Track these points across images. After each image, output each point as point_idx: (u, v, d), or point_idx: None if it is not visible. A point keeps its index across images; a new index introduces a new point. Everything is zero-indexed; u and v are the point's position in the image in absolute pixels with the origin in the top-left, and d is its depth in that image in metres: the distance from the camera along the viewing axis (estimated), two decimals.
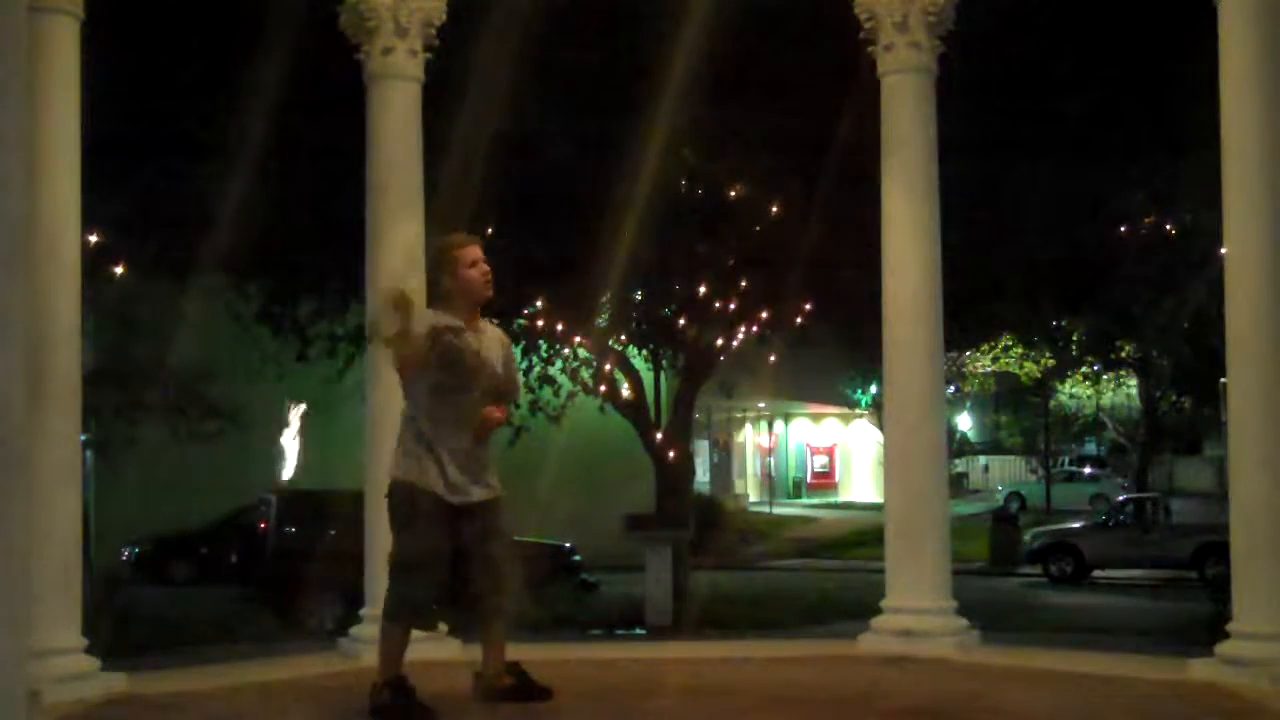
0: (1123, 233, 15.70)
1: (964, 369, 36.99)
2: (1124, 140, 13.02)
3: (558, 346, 16.35)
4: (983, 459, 47.11)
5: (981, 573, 24.16)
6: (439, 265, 5.66)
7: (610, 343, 16.02)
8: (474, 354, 5.55)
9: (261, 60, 9.38)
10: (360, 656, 6.87)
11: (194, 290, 16.02)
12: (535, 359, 16.33)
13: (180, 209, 12.75)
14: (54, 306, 6.21)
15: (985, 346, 31.51)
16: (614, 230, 11.65)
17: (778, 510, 38.94)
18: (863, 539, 28.17)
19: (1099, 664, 7.34)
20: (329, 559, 12.49)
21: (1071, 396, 40.85)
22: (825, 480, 45.43)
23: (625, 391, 16.47)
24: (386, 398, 6.59)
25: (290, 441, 23.73)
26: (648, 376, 17.41)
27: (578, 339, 15.75)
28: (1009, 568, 25.37)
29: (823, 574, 23.92)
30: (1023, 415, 42.77)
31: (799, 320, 15.79)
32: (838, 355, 25.76)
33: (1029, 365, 35.64)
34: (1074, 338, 27.73)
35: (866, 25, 7.52)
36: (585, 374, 16.54)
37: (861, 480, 44.43)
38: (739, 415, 40.26)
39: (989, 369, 37.27)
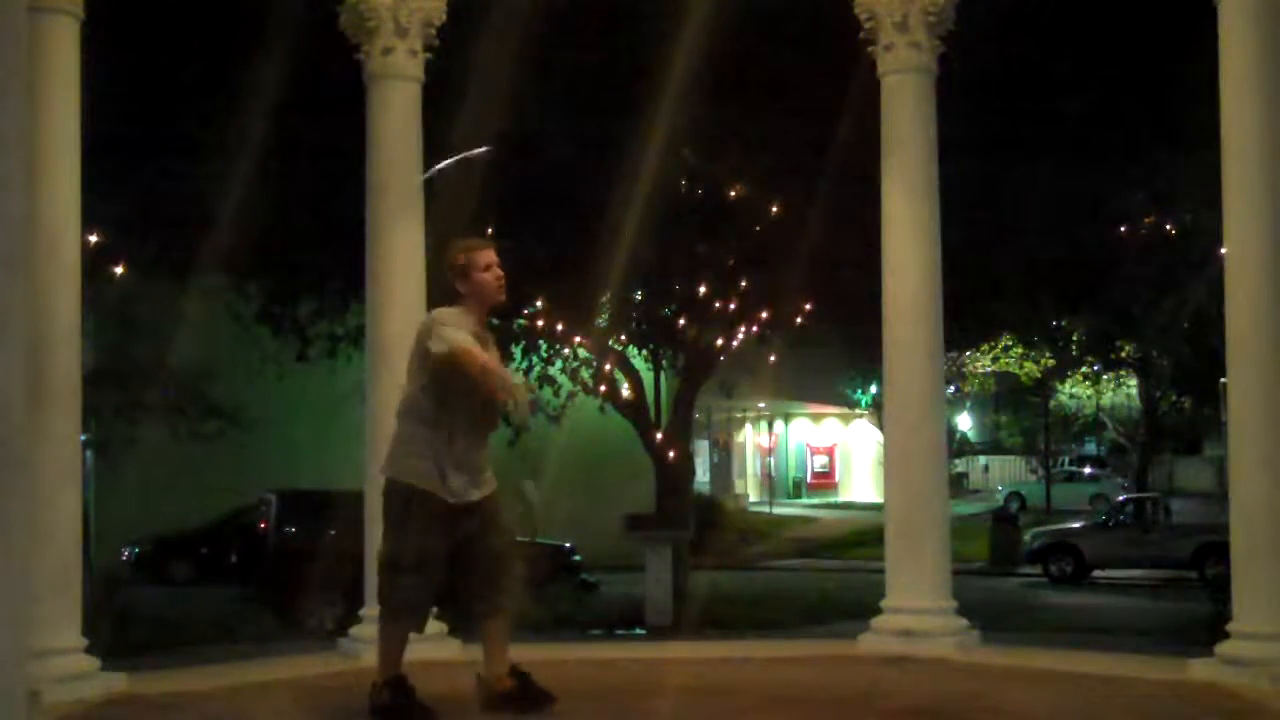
0: (1123, 233, 15.69)
1: (964, 369, 36.96)
2: (1124, 140, 13.02)
3: (558, 346, 16.33)
4: (983, 459, 47.04)
5: (981, 573, 24.12)
6: (453, 268, 5.65)
7: (610, 343, 15.99)
8: (499, 362, 5.59)
9: (261, 60, 9.39)
10: (360, 656, 6.87)
11: (194, 290, 16.01)
12: (535, 359, 16.32)
13: (180, 209, 12.75)
14: (54, 306, 6.22)
15: (985, 346, 31.48)
16: (614, 230, 11.63)
17: (778, 510, 38.89)
18: (863, 539, 28.14)
19: (1099, 664, 7.34)
20: (329, 559, 12.50)
21: (1071, 396, 40.80)
22: (825, 480, 45.38)
23: (625, 391, 16.44)
24: (386, 398, 6.60)
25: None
26: (648, 376, 17.39)
27: (578, 339, 15.72)
28: (1009, 568, 25.31)
29: (823, 574, 23.87)
30: (1023, 415, 42.71)
31: (799, 320, 15.77)
32: (838, 355, 25.82)
33: (1029, 365, 35.60)
34: (1074, 338, 27.71)
35: (866, 25, 7.53)
36: (585, 374, 16.51)
37: (861, 480, 44.39)
38: (739, 415, 40.24)
39: (989, 369, 37.24)
